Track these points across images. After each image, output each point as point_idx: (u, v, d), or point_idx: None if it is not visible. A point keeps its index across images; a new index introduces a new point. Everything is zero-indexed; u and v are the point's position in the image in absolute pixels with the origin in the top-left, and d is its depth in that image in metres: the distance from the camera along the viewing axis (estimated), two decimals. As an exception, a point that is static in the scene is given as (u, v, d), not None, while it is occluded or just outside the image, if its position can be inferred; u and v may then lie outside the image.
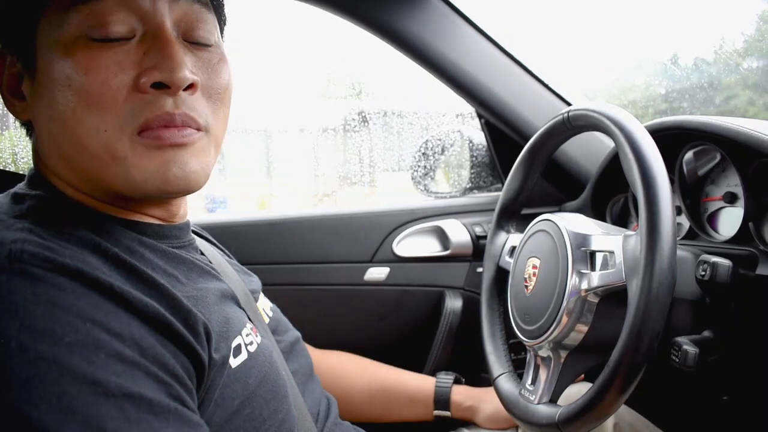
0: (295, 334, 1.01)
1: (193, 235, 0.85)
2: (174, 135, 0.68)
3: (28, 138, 0.79)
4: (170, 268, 0.72)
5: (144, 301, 0.61)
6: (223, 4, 0.82)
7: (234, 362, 0.70)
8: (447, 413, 1.18)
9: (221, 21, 0.81)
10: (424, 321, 1.53)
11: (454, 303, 1.49)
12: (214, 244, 1.00)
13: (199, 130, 0.71)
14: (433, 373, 1.26)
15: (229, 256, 1.02)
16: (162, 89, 0.67)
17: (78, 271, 0.58)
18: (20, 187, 0.74)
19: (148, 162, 0.67)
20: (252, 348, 0.75)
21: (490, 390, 1.13)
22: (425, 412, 1.20)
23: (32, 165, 0.77)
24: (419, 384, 1.21)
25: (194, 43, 0.73)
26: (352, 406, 1.18)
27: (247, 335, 0.76)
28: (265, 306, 0.96)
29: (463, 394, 1.20)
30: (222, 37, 0.80)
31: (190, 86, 0.69)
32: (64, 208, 0.70)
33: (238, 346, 0.73)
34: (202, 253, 0.85)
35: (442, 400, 1.19)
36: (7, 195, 0.73)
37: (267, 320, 0.92)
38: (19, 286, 0.55)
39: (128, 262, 0.64)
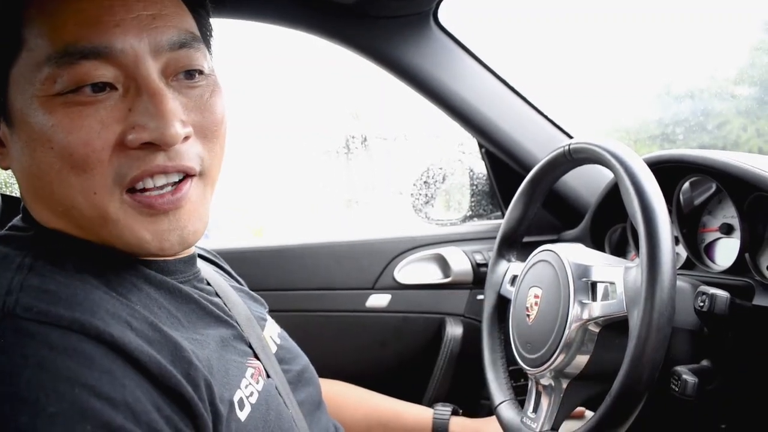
0: (303, 361, 0.97)
1: (198, 266, 0.82)
2: (167, 201, 0.64)
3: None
4: (173, 308, 0.69)
5: (146, 352, 0.57)
6: (211, 30, 0.76)
7: (242, 415, 0.67)
8: None
9: (209, 48, 0.74)
10: (425, 347, 1.54)
11: (454, 330, 1.51)
12: (222, 268, 0.98)
13: (193, 176, 0.67)
14: (434, 400, 1.25)
15: (239, 282, 1.00)
16: (152, 146, 0.62)
17: (73, 322, 0.55)
18: (17, 221, 0.71)
19: (142, 229, 0.64)
20: (252, 399, 0.71)
21: (489, 420, 1.12)
22: None
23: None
24: (417, 416, 1.18)
25: (184, 80, 0.67)
26: None
27: (246, 387, 0.71)
28: (272, 333, 0.93)
29: (461, 425, 1.17)
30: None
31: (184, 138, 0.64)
32: (66, 242, 0.66)
33: (241, 400, 0.69)
34: (208, 283, 0.83)
35: None
36: (7, 229, 0.70)
37: (274, 349, 0.89)
38: (10, 347, 0.53)
39: (132, 301, 0.62)
